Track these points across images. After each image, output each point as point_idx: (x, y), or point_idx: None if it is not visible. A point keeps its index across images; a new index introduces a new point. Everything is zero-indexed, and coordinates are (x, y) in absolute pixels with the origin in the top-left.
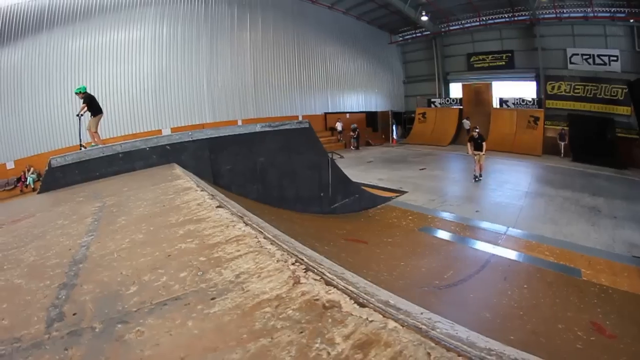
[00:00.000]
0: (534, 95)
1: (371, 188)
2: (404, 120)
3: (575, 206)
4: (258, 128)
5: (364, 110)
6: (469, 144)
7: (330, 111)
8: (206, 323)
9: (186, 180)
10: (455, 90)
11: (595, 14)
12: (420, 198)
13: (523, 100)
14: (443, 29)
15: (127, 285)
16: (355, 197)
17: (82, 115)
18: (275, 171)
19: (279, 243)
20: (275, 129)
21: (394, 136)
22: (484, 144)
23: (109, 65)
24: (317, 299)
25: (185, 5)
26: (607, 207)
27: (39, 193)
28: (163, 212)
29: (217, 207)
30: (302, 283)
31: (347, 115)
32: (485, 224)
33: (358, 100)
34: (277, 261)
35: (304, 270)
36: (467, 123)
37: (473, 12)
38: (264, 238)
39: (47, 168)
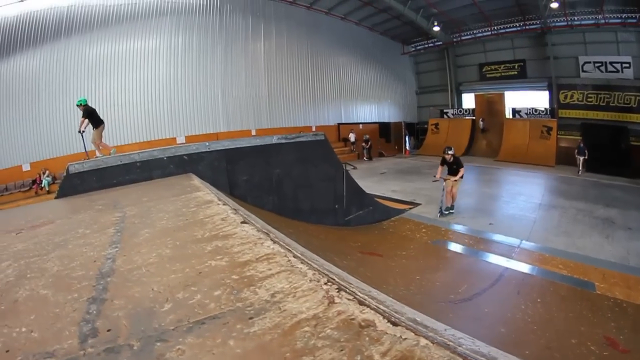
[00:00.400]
0: (547, 105)
1: (385, 200)
2: (417, 131)
3: (589, 218)
4: (274, 140)
5: (377, 121)
6: (440, 168)
7: (343, 122)
8: (248, 342)
9: (206, 193)
10: (468, 100)
11: (607, 21)
12: (434, 210)
13: (536, 110)
14: (455, 39)
15: (161, 302)
16: (369, 209)
17: (83, 131)
18: (291, 183)
19: (309, 262)
20: (291, 141)
21: (407, 147)
22: (461, 169)
23: (125, 73)
24: (352, 319)
25: (201, 15)
26: (622, 218)
27: (56, 198)
28: (187, 226)
29: (242, 222)
30: (336, 303)
31: (360, 126)
32: (498, 237)
33: (371, 111)
34: (310, 281)
35: (337, 290)
36: (482, 123)
37: (484, 21)
38: (294, 257)
39: (65, 174)
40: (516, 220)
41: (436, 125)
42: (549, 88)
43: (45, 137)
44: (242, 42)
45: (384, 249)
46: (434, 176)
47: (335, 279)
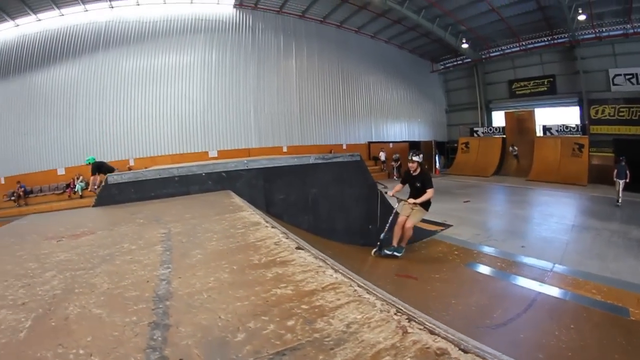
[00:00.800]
0: (578, 121)
1: None
2: (447, 150)
3: (623, 240)
4: (312, 160)
5: (407, 139)
6: (399, 186)
7: (373, 140)
8: None
9: (251, 213)
10: (498, 118)
11: (635, 30)
12: (465, 232)
13: (567, 127)
14: (484, 56)
15: (232, 331)
16: None
17: (97, 188)
18: (327, 203)
19: (374, 292)
20: (328, 161)
21: (437, 166)
22: (428, 191)
23: (160, 86)
24: (427, 347)
25: (233, 33)
26: None
27: (93, 206)
28: (240, 250)
29: (297, 248)
30: (409, 332)
31: (391, 144)
32: (531, 260)
33: (401, 129)
34: (381, 311)
35: (407, 320)
36: (513, 149)
37: (512, 37)
38: (358, 287)
39: (103, 184)
40: (548, 242)
41: (466, 144)
42: (580, 103)
43: (80, 144)
44: (274, 59)
45: (418, 271)
46: (386, 190)
47: (403, 309)
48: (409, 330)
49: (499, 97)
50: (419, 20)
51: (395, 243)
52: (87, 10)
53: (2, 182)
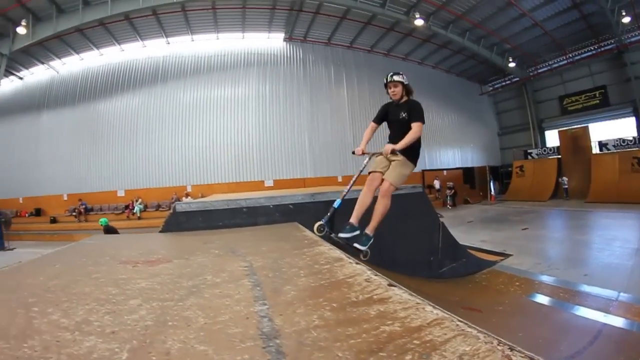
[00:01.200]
0: (635, 133)
1: (475, 250)
2: (502, 174)
3: None
4: (376, 193)
5: (460, 166)
6: (370, 127)
7: (427, 168)
8: None
9: (329, 248)
10: (552, 138)
11: None
12: (526, 261)
13: (623, 141)
14: (531, 73)
15: None
16: (462, 261)
17: None
18: (390, 234)
19: (474, 326)
20: (392, 193)
21: (492, 193)
22: (413, 126)
23: (217, 116)
24: None
25: (285, 65)
26: None
27: (160, 232)
28: (333, 286)
29: (389, 285)
30: None
31: (444, 172)
32: (594, 289)
33: (454, 156)
34: (485, 343)
35: (510, 350)
36: (564, 181)
37: (558, 50)
38: (459, 322)
39: (171, 212)
40: (612, 269)
41: (521, 167)
42: (635, 113)
43: (140, 169)
44: (325, 89)
45: (481, 304)
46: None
47: (501, 339)
48: (513, 358)
49: (551, 115)
50: (464, 43)
51: (355, 221)
52: (145, 46)
53: (65, 198)
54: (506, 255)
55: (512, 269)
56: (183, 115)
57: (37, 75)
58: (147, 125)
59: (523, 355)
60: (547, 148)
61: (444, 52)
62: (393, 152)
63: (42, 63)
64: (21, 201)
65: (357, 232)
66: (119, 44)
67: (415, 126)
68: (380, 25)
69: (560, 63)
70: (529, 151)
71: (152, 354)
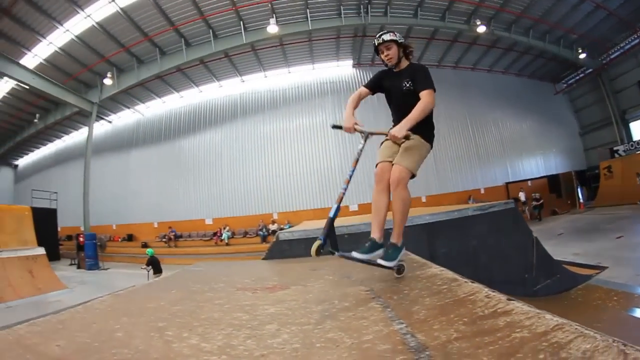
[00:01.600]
0: None
1: (568, 265)
2: (589, 178)
3: None
4: (470, 212)
5: (544, 174)
6: (356, 95)
7: (511, 180)
8: None
9: (441, 270)
10: (638, 129)
11: None
12: (623, 273)
13: None
14: (604, 61)
15: None
16: (556, 278)
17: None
18: (485, 253)
19: (590, 329)
20: (485, 211)
21: (581, 200)
22: (423, 95)
23: (297, 145)
24: None
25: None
26: None
27: (263, 259)
28: (457, 304)
29: (508, 299)
30: (629, 353)
31: (529, 182)
32: None
33: (537, 164)
34: (602, 341)
35: (623, 345)
36: None
37: (627, 29)
38: (577, 326)
39: (275, 240)
40: None
41: (608, 168)
42: None
43: (226, 198)
44: None
45: (579, 321)
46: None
47: (615, 338)
48: (627, 351)
49: (634, 104)
50: (529, 42)
51: (377, 235)
52: (221, 86)
53: (156, 225)
54: (601, 268)
55: (609, 283)
56: (264, 146)
57: (124, 118)
58: (230, 157)
59: (634, 349)
60: (635, 142)
61: (511, 55)
62: (406, 137)
63: (128, 108)
64: (114, 227)
65: (380, 250)
66: (197, 86)
67: (425, 95)
68: (443, 38)
69: (633, 43)
70: (615, 148)
71: None
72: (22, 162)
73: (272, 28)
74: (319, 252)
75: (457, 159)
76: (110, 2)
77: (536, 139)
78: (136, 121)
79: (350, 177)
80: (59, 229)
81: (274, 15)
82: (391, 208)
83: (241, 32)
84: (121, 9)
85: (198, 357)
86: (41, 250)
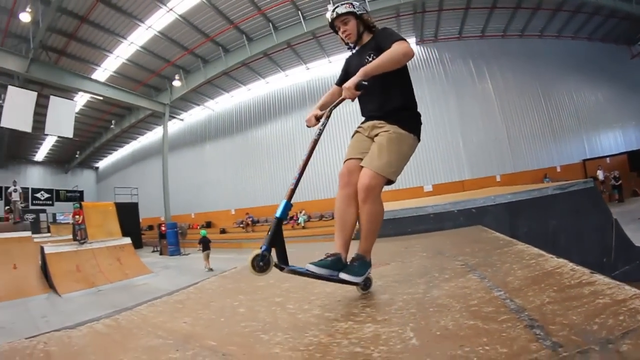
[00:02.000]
0: None
1: None
2: None
3: None
4: (550, 191)
5: (623, 150)
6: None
7: (588, 157)
8: None
9: (526, 247)
10: None
11: None
12: None
13: None
14: None
15: (590, 324)
16: (635, 264)
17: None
18: (564, 234)
19: None
20: (565, 190)
21: None
22: (394, 47)
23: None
24: None
25: (425, 69)
26: None
27: (353, 239)
28: (546, 275)
29: (591, 272)
30: None
31: (607, 159)
32: None
33: (615, 138)
34: None
35: None
36: None
37: None
38: None
39: None
40: None
41: None
42: None
43: (302, 183)
44: (470, 86)
45: None
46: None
47: None
48: None
49: None
50: (598, 1)
51: (340, 249)
52: (287, 76)
53: (233, 212)
54: None
55: None
56: (337, 129)
57: (195, 115)
58: (303, 143)
59: None
60: None
61: (580, 18)
62: (358, 86)
63: (198, 105)
64: (193, 216)
65: (341, 265)
66: (263, 78)
67: (395, 45)
68: (505, 5)
69: None
70: None
71: (434, 329)
72: (102, 164)
73: (331, 14)
74: (257, 266)
75: (531, 135)
76: (168, 12)
77: (614, 110)
78: (207, 116)
79: (305, 164)
80: (140, 220)
81: (331, 1)
82: (360, 220)
83: (301, 22)
84: (180, 15)
85: (327, 325)
86: (127, 240)
